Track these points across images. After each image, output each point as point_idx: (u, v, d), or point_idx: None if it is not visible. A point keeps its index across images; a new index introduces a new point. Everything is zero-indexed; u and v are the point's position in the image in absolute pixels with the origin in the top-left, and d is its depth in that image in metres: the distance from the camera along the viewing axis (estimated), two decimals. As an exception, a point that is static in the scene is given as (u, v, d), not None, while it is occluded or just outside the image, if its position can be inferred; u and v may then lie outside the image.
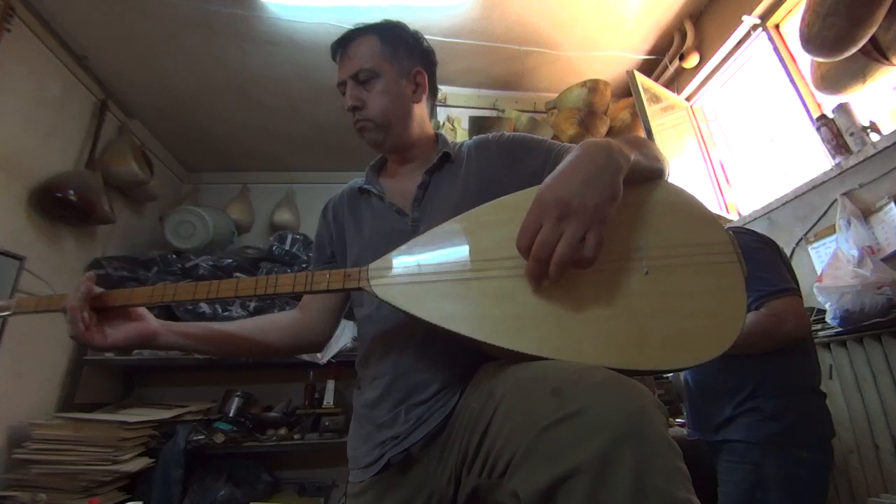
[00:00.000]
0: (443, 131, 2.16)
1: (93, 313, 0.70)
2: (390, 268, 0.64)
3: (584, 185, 0.53)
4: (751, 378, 1.06)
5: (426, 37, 0.90)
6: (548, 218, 0.52)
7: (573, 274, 0.54)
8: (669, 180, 0.69)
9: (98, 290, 0.71)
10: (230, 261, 2.36)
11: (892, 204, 1.28)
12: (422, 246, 0.64)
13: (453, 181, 0.82)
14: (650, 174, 0.65)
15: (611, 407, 0.41)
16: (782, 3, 1.77)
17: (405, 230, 0.77)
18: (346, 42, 0.83)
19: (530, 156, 0.80)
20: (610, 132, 2.26)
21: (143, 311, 0.75)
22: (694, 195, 0.65)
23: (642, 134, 2.00)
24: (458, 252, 0.62)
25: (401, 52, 0.83)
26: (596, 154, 0.56)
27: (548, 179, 0.56)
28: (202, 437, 1.92)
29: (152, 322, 0.75)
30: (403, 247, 0.65)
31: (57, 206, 1.87)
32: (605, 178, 0.54)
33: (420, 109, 0.87)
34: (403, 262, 0.64)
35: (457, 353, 0.66)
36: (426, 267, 0.62)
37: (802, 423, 1.02)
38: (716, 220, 0.63)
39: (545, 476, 0.39)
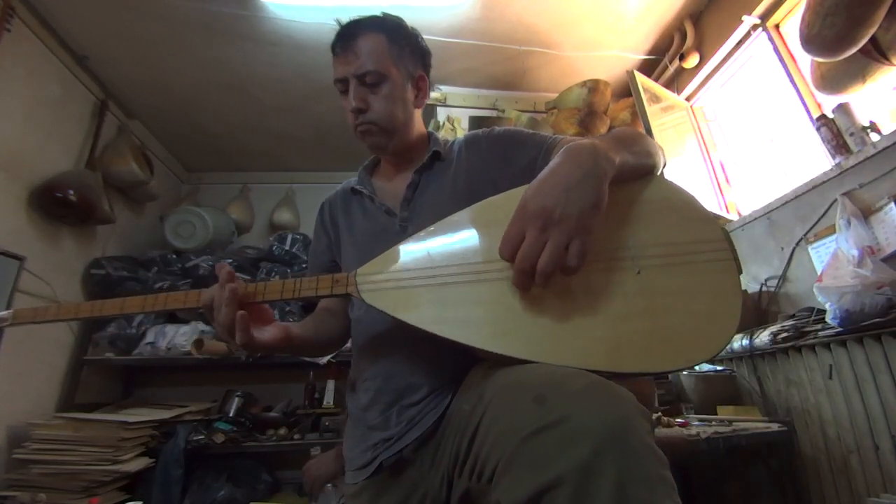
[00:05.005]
0: (443, 131, 2.16)
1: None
2: (378, 272, 0.63)
3: (568, 193, 0.52)
4: None
5: (426, 37, 0.89)
6: (531, 228, 0.52)
7: (562, 276, 0.54)
8: (664, 174, 0.68)
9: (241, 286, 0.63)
10: (230, 261, 2.36)
11: (892, 204, 1.27)
12: (409, 249, 0.64)
13: (443, 180, 0.81)
14: (640, 172, 0.64)
15: (592, 415, 0.40)
16: (782, 3, 1.76)
17: (394, 230, 0.77)
18: (352, 36, 0.78)
19: (521, 151, 0.79)
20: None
21: (270, 311, 0.69)
22: (687, 191, 0.64)
23: (642, 134, 2.00)
24: (446, 256, 0.62)
25: (406, 54, 0.81)
26: (580, 160, 0.55)
27: (531, 186, 0.55)
28: (202, 437, 1.92)
29: (281, 323, 0.69)
30: (391, 251, 0.65)
31: (57, 206, 1.87)
32: (588, 184, 0.53)
33: (419, 113, 0.87)
34: (391, 266, 0.63)
35: (448, 355, 0.65)
36: (413, 271, 0.62)
37: None
38: (710, 216, 0.62)
39: (527, 487, 0.39)
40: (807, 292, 1.43)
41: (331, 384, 2.21)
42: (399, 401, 0.69)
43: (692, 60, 2.13)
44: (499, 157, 0.80)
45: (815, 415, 1.34)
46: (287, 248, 2.48)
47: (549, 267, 0.51)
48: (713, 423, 1.41)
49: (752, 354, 1.54)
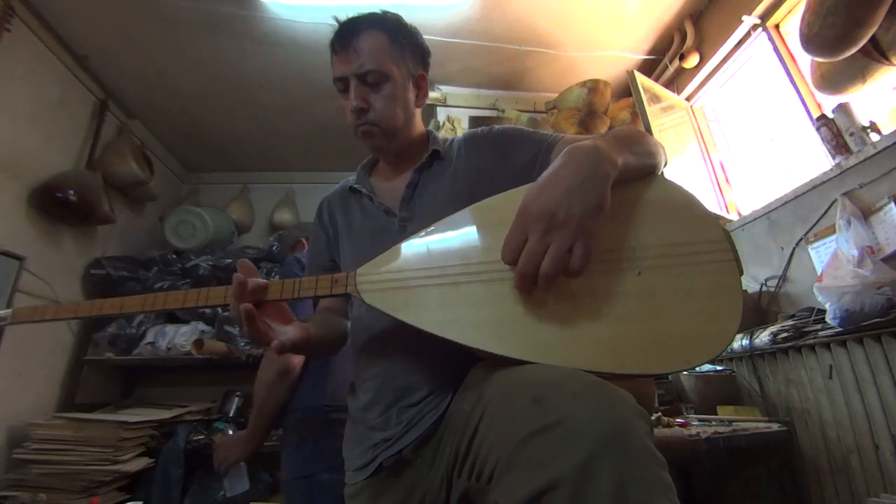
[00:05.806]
0: (443, 131, 2.16)
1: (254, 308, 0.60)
2: (378, 272, 0.63)
3: (570, 196, 0.51)
4: None
5: (426, 37, 0.89)
6: (533, 231, 0.52)
7: (564, 278, 0.53)
8: (665, 174, 0.68)
9: (256, 282, 0.62)
10: (230, 261, 2.36)
11: (892, 204, 1.27)
12: (409, 249, 0.64)
13: (442, 179, 0.81)
14: (642, 172, 0.64)
15: (591, 417, 0.40)
16: (782, 3, 1.76)
17: (393, 230, 0.77)
18: (352, 35, 0.77)
19: (520, 149, 0.78)
20: (610, 132, 2.26)
21: (288, 309, 0.68)
22: (688, 191, 0.64)
23: (642, 134, 2.00)
24: (446, 255, 0.62)
25: (407, 53, 0.81)
26: (582, 161, 0.54)
27: (532, 188, 0.55)
28: (202, 437, 1.92)
29: (299, 322, 0.67)
30: (391, 251, 0.65)
31: (57, 206, 1.88)
32: (591, 187, 0.52)
33: (419, 113, 0.87)
34: (391, 266, 0.63)
35: (447, 355, 0.65)
36: (413, 271, 0.61)
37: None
38: (710, 216, 0.61)
39: (525, 488, 0.39)
40: (807, 292, 1.43)
41: (331, 384, 2.21)
42: (399, 401, 0.68)
43: (692, 60, 2.13)
44: (499, 156, 0.80)
45: (815, 415, 1.34)
46: (287, 248, 2.48)
47: (552, 270, 0.50)
48: (713, 423, 1.41)
49: (752, 354, 1.54)
